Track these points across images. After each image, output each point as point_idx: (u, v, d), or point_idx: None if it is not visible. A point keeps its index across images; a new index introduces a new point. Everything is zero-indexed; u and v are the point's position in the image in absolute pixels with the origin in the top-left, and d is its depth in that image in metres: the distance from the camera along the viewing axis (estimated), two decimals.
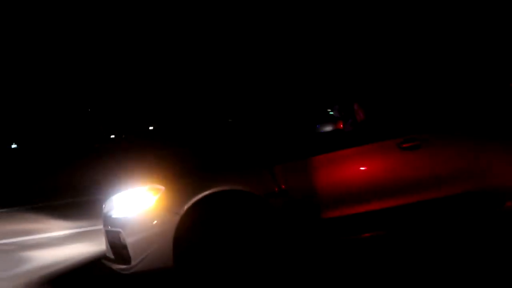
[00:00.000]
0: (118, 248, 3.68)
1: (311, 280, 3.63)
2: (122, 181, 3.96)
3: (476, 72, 4.36)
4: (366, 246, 3.92)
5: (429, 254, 3.91)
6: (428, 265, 3.71)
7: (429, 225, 3.91)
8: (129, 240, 3.55)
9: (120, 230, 3.61)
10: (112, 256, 3.79)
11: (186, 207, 3.53)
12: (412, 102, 4.16)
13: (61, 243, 5.54)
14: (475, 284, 3.31)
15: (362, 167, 3.85)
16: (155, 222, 3.53)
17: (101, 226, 3.98)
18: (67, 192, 9.44)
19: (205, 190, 3.55)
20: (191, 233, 3.54)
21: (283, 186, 3.65)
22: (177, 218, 3.52)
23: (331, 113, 4.70)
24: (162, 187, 3.61)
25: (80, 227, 6.11)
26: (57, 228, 6.24)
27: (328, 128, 3.77)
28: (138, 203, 3.61)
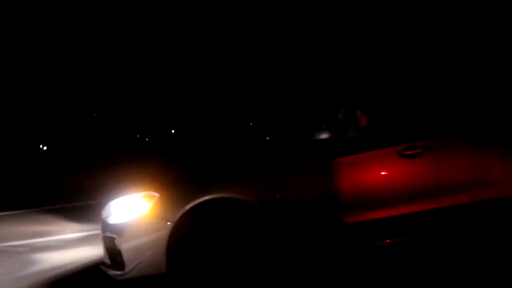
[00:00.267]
0: (113, 254, 3.70)
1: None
2: (122, 186, 4.00)
3: (480, 76, 4.23)
4: (372, 255, 3.87)
5: (433, 263, 3.82)
6: (427, 273, 3.62)
7: (432, 235, 3.81)
8: (123, 246, 3.57)
9: (115, 236, 3.64)
10: (108, 262, 3.82)
11: (179, 214, 3.53)
12: (415, 108, 4.06)
13: (71, 245, 5.62)
14: None
15: (360, 175, 3.77)
16: (149, 229, 3.54)
17: None
18: (80, 194, 9.60)
19: (198, 198, 3.54)
20: (184, 240, 3.54)
21: (277, 195, 3.62)
22: (170, 226, 3.52)
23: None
24: (156, 194, 3.62)
25: (92, 230, 6.19)
26: (69, 231, 6.34)
27: (325, 135, 3.71)
28: (133, 209, 3.63)
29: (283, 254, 3.63)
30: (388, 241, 3.75)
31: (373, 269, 3.90)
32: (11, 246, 5.70)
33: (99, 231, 6.08)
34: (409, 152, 3.78)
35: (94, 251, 5.14)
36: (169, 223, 3.52)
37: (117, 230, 3.63)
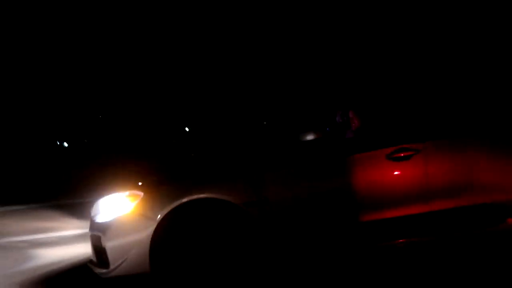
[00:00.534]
0: (99, 252, 3.74)
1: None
2: (110, 185, 4.03)
3: (470, 78, 4.14)
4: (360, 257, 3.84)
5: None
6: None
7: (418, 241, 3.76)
8: (107, 244, 3.60)
9: (100, 234, 3.67)
10: (95, 260, 3.85)
11: (163, 214, 3.55)
12: (407, 110, 4.00)
13: (71, 242, 5.68)
14: None
15: (345, 178, 3.73)
16: (133, 228, 3.56)
17: None
18: (84, 190, 9.70)
19: (182, 198, 3.55)
20: (168, 240, 3.55)
21: (262, 196, 3.60)
22: (154, 225, 3.54)
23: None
24: (141, 194, 3.64)
25: None
26: (70, 227, 6.42)
27: (311, 137, 3.68)
28: (118, 208, 3.66)
29: (269, 255, 3.62)
30: (381, 244, 3.72)
31: (363, 271, 3.87)
32: (12, 241, 5.80)
33: None
34: (397, 155, 3.73)
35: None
36: (152, 222, 3.54)
37: (102, 228, 3.67)
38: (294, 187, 3.65)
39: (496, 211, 3.75)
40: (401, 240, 3.71)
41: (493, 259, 3.84)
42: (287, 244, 3.64)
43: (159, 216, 3.54)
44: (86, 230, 5.98)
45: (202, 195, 3.56)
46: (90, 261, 3.98)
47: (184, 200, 3.54)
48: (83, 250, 5.20)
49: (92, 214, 3.93)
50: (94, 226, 3.81)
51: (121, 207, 3.64)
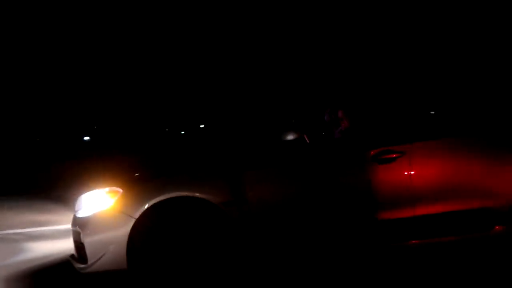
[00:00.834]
0: (79, 248, 3.74)
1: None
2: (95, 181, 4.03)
3: (460, 79, 4.04)
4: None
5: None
6: None
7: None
8: (86, 240, 3.60)
9: (79, 230, 3.67)
10: (76, 255, 3.86)
11: (141, 211, 3.54)
12: (394, 110, 3.93)
13: (66, 235, 5.71)
14: None
15: (328, 179, 3.67)
16: (111, 224, 3.55)
17: None
18: (83, 183, 9.73)
19: (159, 195, 3.53)
20: (145, 237, 3.54)
21: (240, 196, 3.56)
22: (131, 222, 3.53)
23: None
24: (120, 190, 3.63)
25: None
26: (65, 221, 6.44)
27: (291, 137, 3.63)
28: (97, 204, 3.65)
29: (248, 254, 3.59)
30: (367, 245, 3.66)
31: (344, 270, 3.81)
32: (7, 234, 5.86)
33: None
34: (382, 157, 3.65)
35: None
36: (131, 219, 3.52)
37: (81, 223, 3.67)
38: (274, 187, 3.60)
39: (486, 217, 3.65)
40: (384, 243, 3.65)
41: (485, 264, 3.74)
42: (266, 244, 3.60)
43: (137, 213, 3.52)
44: None
45: (180, 193, 3.54)
46: (72, 255, 3.99)
47: (162, 198, 3.53)
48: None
49: (76, 209, 3.94)
50: (75, 221, 3.82)
51: (100, 203, 3.64)
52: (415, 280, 3.64)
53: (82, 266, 3.66)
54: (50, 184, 9.82)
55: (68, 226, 6.13)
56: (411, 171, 3.62)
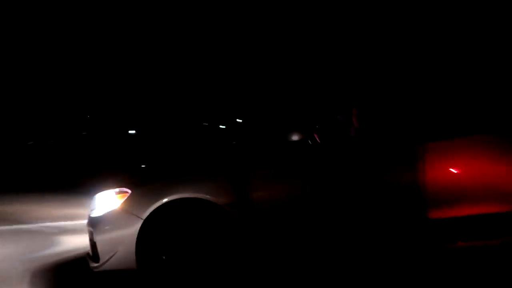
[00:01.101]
0: (92, 246, 3.85)
1: None
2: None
3: (468, 79, 3.82)
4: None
5: None
6: None
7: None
8: (97, 239, 3.70)
9: (92, 229, 3.78)
10: (91, 253, 3.97)
11: (148, 211, 3.59)
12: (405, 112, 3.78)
13: None
14: None
15: (332, 181, 3.59)
16: (120, 224, 3.63)
17: None
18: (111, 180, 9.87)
19: (166, 197, 3.58)
20: (153, 237, 3.60)
21: (246, 197, 3.55)
22: (140, 222, 3.59)
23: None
24: (129, 191, 3.69)
25: None
26: None
27: (296, 137, 3.57)
28: (108, 204, 3.74)
29: (254, 255, 3.58)
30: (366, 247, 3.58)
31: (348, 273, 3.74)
32: (41, 227, 6.09)
33: None
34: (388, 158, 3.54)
35: None
36: (139, 220, 3.59)
37: (93, 223, 3.78)
38: (279, 188, 3.58)
39: None
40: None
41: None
42: (271, 245, 3.58)
43: (145, 214, 3.58)
44: None
45: (185, 195, 3.57)
46: (87, 254, 4.11)
47: (167, 199, 3.57)
48: None
49: (90, 208, 4.05)
50: (88, 221, 3.93)
51: (110, 204, 3.72)
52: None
53: (95, 264, 3.76)
54: (85, 179, 10.09)
55: None
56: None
